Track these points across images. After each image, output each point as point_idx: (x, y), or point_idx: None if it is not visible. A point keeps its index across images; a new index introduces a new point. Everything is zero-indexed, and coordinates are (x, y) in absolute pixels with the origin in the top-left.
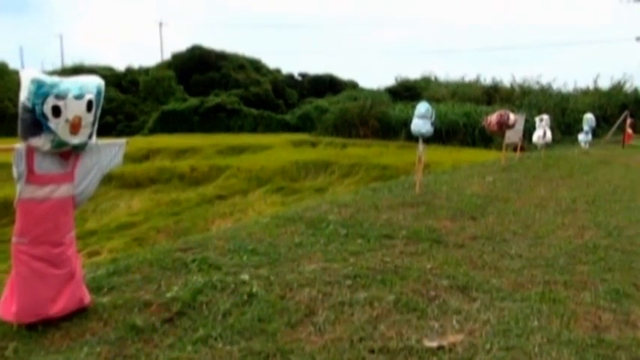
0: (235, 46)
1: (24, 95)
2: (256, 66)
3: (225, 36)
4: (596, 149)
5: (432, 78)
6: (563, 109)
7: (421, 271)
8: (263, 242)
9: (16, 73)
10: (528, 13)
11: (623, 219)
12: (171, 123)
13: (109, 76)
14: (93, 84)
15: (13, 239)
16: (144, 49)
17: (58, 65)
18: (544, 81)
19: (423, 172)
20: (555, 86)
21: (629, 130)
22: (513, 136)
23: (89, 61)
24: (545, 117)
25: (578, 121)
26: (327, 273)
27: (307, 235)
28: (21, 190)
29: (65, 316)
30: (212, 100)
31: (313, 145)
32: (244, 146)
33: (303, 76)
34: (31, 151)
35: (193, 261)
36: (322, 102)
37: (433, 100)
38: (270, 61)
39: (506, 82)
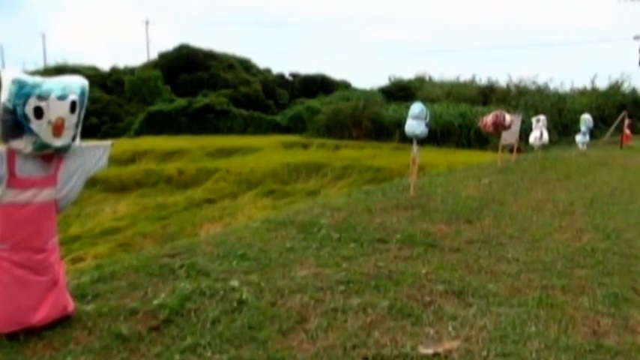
0: (224, 45)
1: (4, 96)
2: (246, 65)
3: (214, 35)
4: (593, 150)
5: (427, 78)
6: (560, 110)
7: (416, 276)
8: (253, 247)
9: None
10: (525, 12)
11: (621, 221)
12: (157, 124)
13: (94, 76)
14: (76, 84)
15: None
16: (129, 48)
17: (40, 65)
18: (541, 81)
19: (418, 174)
20: (552, 86)
21: (627, 131)
22: (509, 137)
23: (72, 60)
24: (542, 118)
25: (576, 122)
26: (319, 279)
27: (299, 239)
28: (1, 195)
29: (48, 324)
30: (200, 100)
31: (305, 146)
32: (234, 148)
33: (294, 75)
34: (12, 154)
35: (181, 267)
36: (314, 102)
37: (427, 100)
38: (260, 61)
39: (502, 82)
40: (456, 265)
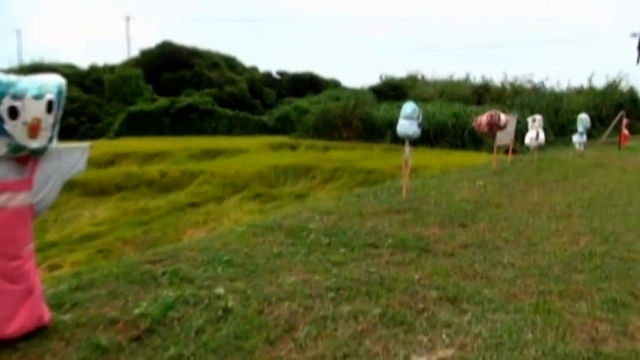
0: (208, 43)
1: None
2: (231, 64)
3: (198, 31)
4: (591, 151)
5: (419, 76)
6: (557, 109)
7: (408, 282)
8: (239, 253)
9: None
10: (520, 8)
11: (619, 224)
12: (139, 125)
13: (71, 74)
14: (53, 83)
15: None
16: (109, 45)
17: (15, 63)
18: (536, 80)
19: (410, 176)
20: (548, 85)
21: (625, 131)
22: (505, 137)
23: (49, 58)
24: (538, 117)
25: (573, 122)
26: (308, 285)
27: (287, 244)
28: None
29: (23, 335)
30: (183, 100)
31: (293, 148)
32: (219, 150)
33: (282, 74)
34: None
35: (163, 274)
36: (302, 102)
37: (420, 99)
38: (246, 59)
39: (497, 80)
40: (450, 271)
